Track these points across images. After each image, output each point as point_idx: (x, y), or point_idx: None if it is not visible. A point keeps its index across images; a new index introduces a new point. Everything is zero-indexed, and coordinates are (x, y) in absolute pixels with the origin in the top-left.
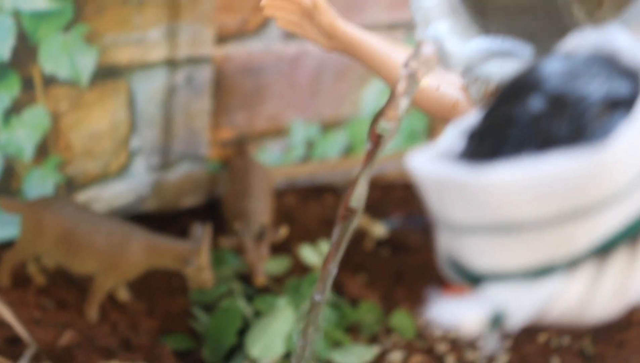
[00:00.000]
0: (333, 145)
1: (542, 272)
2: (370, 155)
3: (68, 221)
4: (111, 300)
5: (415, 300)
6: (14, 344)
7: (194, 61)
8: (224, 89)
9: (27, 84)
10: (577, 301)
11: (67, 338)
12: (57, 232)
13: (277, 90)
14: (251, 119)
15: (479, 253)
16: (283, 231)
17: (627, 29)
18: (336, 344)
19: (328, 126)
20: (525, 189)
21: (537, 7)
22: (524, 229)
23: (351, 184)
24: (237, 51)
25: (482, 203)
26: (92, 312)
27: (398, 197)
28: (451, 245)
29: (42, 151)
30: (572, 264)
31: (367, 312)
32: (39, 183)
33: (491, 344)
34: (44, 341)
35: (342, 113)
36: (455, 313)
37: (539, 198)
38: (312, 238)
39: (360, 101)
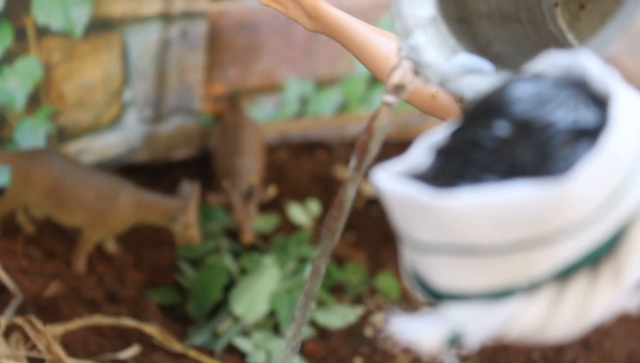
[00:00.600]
0: (327, 102)
1: (501, 295)
2: (363, 146)
3: (57, 173)
4: (99, 251)
5: (401, 263)
6: (0, 293)
7: (189, 16)
8: (218, 44)
9: (20, 35)
10: (536, 323)
11: (53, 289)
12: (45, 184)
13: (271, 46)
14: (245, 74)
15: (440, 272)
16: (271, 191)
17: (603, 48)
18: (320, 304)
19: (322, 84)
20: (487, 215)
21: (521, 15)
22: (485, 253)
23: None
24: (232, 6)
25: (444, 226)
26: (80, 263)
27: (392, 154)
28: (415, 261)
29: (34, 101)
30: (532, 287)
31: (353, 273)
32: (31, 133)
33: (449, 362)
34: (30, 291)
35: (336, 71)
36: (415, 331)
37: (500, 224)
38: (302, 195)
39: (355, 60)
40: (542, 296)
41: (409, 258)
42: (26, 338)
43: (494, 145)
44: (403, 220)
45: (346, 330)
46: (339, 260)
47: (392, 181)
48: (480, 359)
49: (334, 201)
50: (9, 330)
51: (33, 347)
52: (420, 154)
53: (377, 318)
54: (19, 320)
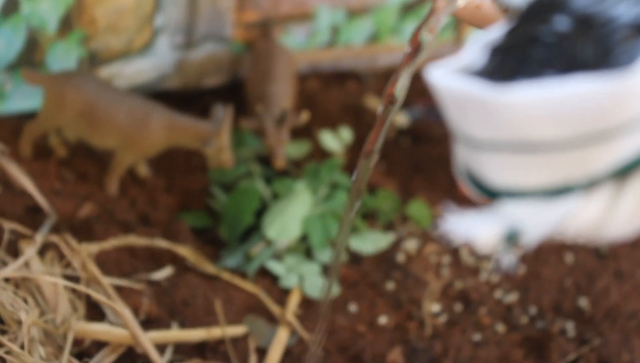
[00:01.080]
0: (358, 32)
1: (559, 192)
2: (410, 57)
3: (90, 95)
4: (131, 175)
5: (433, 191)
6: (35, 213)
7: None
8: None
9: None
10: (594, 220)
11: (86, 210)
12: (78, 106)
13: None
14: (277, 2)
15: (496, 170)
16: (304, 116)
17: None
18: (353, 230)
19: (354, 13)
20: (547, 110)
21: None
22: (543, 149)
23: (394, 74)
24: None
25: (502, 121)
26: (112, 186)
27: (422, 87)
28: (469, 159)
29: (66, 24)
30: (590, 185)
31: (385, 200)
32: (62, 56)
33: (506, 261)
34: (63, 212)
35: (368, 0)
36: (471, 228)
37: (560, 119)
38: (332, 123)
39: None
40: (600, 193)
41: (463, 156)
42: (61, 257)
43: (553, 40)
44: (458, 117)
45: (378, 255)
46: (370, 187)
47: (448, 78)
48: (513, 287)
49: (367, 129)
50: (44, 249)
51: (68, 265)
52: (475, 53)
53: (409, 244)
54: (54, 238)
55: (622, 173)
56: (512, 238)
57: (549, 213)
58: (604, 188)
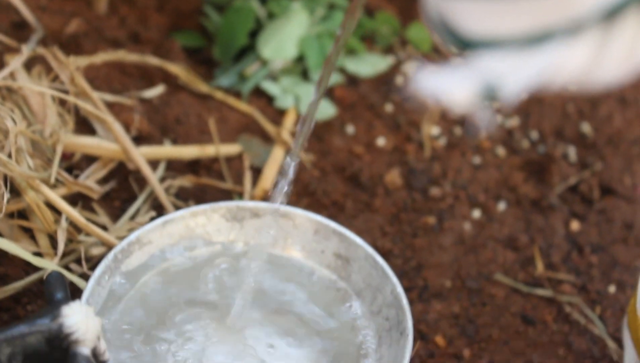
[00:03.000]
0: None
1: (540, 39)
2: None
3: None
4: None
5: (424, 9)
6: (21, 29)
7: None
8: None
9: None
10: (582, 66)
11: (74, 26)
12: None
13: None
14: None
15: (471, 16)
16: None
17: None
18: (350, 52)
19: None
20: None
21: None
22: None
23: None
24: None
25: None
26: (101, 3)
27: None
28: (441, 5)
29: None
30: (574, 29)
31: (384, 22)
32: None
33: (484, 118)
34: (50, 28)
35: None
36: (447, 83)
37: None
38: None
39: None
40: (586, 38)
41: (435, 2)
42: (48, 71)
43: None
44: None
45: (376, 78)
46: (369, 10)
47: None
48: (514, 112)
49: None
50: (31, 63)
51: (55, 78)
52: None
53: (409, 67)
54: (42, 51)
55: (609, 15)
56: (489, 93)
57: (529, 63)
58: (590, 32)
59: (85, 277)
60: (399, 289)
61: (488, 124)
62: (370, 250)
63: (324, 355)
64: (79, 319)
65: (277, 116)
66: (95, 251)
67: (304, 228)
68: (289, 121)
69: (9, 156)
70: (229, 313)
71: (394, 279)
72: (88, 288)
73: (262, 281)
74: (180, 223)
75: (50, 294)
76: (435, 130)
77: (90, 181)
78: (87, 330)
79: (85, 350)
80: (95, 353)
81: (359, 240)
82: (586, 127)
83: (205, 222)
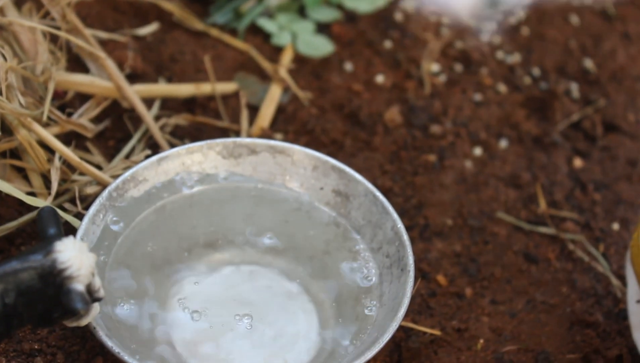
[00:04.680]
0: None
1: None
2: None
3: None
4: None
5: None
6: None
7: None
8: None
9: None
10: None
11: None
12: None
13: None
14: None
15: None
16: None
17: None
18: None
19: None
20: None
21: None
22: None
23: None
24: None
25: None
26: None
27: None
28: None
29: None
30: None
31: None
32: None
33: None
34: None
35: None
36: None
37: None
38: None
39: None
40: None
41: None
42: (39, 9)
43: None
44: None
45: (375, 14)
46: None
47: None
48: (515, 48)
49: None
50: (21, 0)
51: (46, 15)
52: None
53: (408, 3)
54: None
55: None
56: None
57: None
58: None
59: (80, 217)
60: (400, 225)
61: None
62: (370, 186)
63: (324, 292)
64: (72, 254)
65: (274, 53)
66: (90, 190)
67: (303, 165)
68: (285, 59)
69: (0, 93)
70: (227, 251)
71: (395, 215)
72: (82, 226)
73: (260, 219)
74: (176, 160)
75: (43, 230)
76: (435, 67)
77: (83, 119)
78: (81, 265)
79: (79, 286)
80: (89, 290)
81: (358, 176)
82: (589, 64)
83: (201, 159)
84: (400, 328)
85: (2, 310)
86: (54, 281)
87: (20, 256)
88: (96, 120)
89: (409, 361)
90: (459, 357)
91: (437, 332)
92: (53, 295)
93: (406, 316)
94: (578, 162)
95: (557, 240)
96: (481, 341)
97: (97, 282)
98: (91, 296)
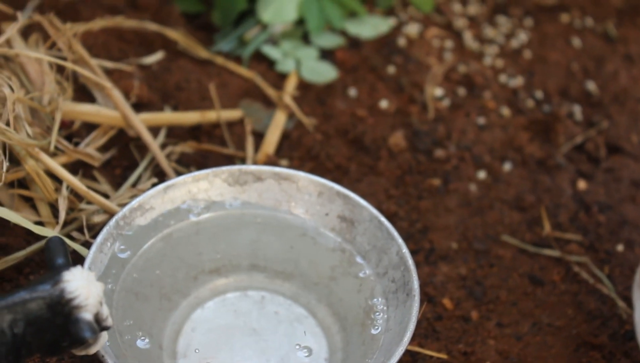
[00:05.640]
0: None
1: None
2: None
3: None
4: None
5: None
6: None
7: None
8: None
9: None
10: None
11: None
12: None
13: None
14: None
15: None
16: None
17: None
18: (351, 15)
19: None
20: None
21: None
22: None
23: None
24: None
25: None
26: None
27: None
28: None
29: None
30: None
31: None
32: None
33: None
34: None
35: None
36: None
37: None
38: None
39: None
40: None
41: None
42: (45, 39)
43: None
44: None
45: (378, 40)
46: None
47: None
48: (518, 71)
49: None
50: (27, 31)
51: (52, 46)
52: None
53: (410, 28)
54: (38, 18)
55: None
56: None
57: None
58: None
59: (88, 245)
60: (405, 250)
61: None
62: (374, 212)
63: (331, 317)
64: (80, 284)
65: (278, 80)
66: (97, 218)
67: (308, 191)
68: (290, 84)
69: (7, 124)
70: (233, 277)
71: (399, 240)
72: (90, 255)
73: (266, 245)
74: (182, 188)
75: (51, 260)
76: (438, 91)
77: (90, 148)
78: (89, 295)
79: (87, 315)
80: (97, 319)
81: (363, 202)
82: (591, 85)
83: (207, 187)
84: (407, 352)
85: (11, 339)
86: (62, 310)
87: (28, 286)
88: (103, 149)
89: None
90: None
91: (443, 356)
92: (61, 324)
93: (412, 340)
94: (582, 184)
95: (562, 262)
96: None
97: (105, 311)
98: (99, 324)
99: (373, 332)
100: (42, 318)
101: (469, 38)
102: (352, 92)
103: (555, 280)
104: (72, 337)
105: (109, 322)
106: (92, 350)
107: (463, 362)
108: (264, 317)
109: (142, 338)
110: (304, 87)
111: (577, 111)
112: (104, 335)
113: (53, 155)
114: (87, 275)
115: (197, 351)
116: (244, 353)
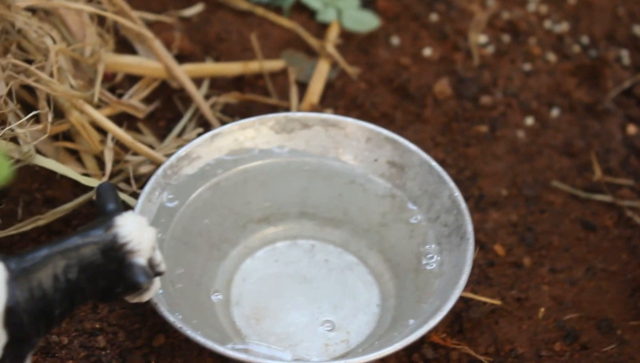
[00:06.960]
0: None
1: None
2: None
3: None
4: None
5: None
6: None
7: None
8: None
9: None
10: None
11: None
12: None
13: None
14: None
15: None
16: None
17: None
18: None
19: None
20: None
21: None
22: None
23: None
24: None
25: None
26: None
27: None
28: None
29: None
30: None
31: None
32: None
33: None
34: None
35: None
36: None
37: None
38: None
39: None
40: None
41: None
42: None
43: None
44: None
45: None
46: None
47: None
48: (563, 17)
49: None
50: None
51: None
52: None
53: None
54: None
55: None
56: None
57: None
58: None
59: (135, 196)
60: (457, 193)
61: None
62: (425, 156)
63: (383, 264)
64: (133, 228)
65: (320, 30)
66: (144, 169)
67: (356, 137)
68: (332, 34)
69: (51, 75)
70: (282, 226)
71: (451, 184)
72: (139, 204)
73: (315, 193)
74: (228, 136)
75: (102, 205)
76: (482, 38)
77: (134, 100)
78: (141, 239)
79: (141, 259)
80: (151, 264)
81: (413, 147)
82: (639, 30)
83: (254, 135)
84: (461, 298)
85: (65, 285)
86: (116, 255)
87: (81, 231)
88: (146, 101)
89: (471, 331)
90: (521, 326)
91: (497, 302)
92: (115, 270)
93: (466, 286)
94: (632, 128)
95: (614, 207)
96: (542, 310)
97: (158, 256)
98: (153, 270)
99: (427, 276)
100: (96, 264)
101: None
102: (395, 40)
103: (608, 225)
104: (126, 282)
105: (163, 267)
106: (145, 297)
107: (517, 308)
108: (315, 266)
109: (194, 286)
110: (346, 36)
111: (625, 55)
112: (157, 281)
113: (97, 107)
114: (139, 219)
115: (249, 299)
116: (295, 302)
